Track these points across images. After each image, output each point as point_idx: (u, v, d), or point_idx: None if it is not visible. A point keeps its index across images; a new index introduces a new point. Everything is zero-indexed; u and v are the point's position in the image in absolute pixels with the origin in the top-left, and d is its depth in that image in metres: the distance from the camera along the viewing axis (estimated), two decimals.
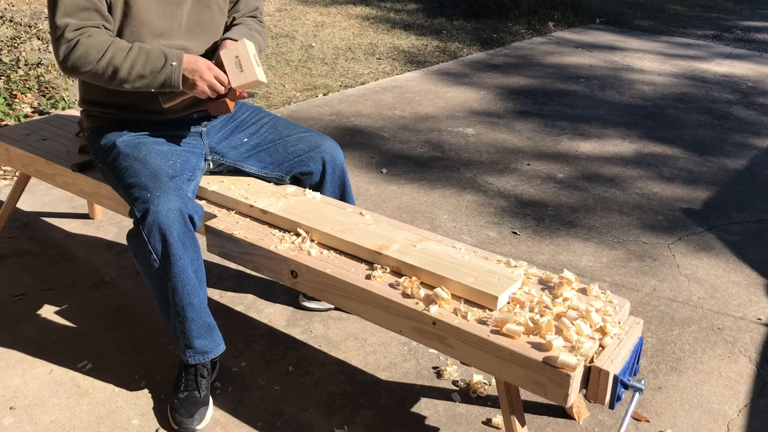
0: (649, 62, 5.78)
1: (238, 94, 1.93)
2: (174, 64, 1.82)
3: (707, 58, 5.98)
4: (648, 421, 1.94)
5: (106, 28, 1.86)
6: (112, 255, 2.66)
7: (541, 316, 1.58)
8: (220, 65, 1.88)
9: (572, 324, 1.55)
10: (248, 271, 2.56)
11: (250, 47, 1.88)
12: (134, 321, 2.29)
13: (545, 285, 1.73)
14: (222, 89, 1.87)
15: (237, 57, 1.86)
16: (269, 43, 5.82)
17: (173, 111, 2.01)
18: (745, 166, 3.73)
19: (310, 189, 2.13)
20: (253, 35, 2.06)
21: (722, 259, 2.80)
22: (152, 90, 1.86)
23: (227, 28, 2.10)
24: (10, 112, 3.81)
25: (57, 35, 1.81)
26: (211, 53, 2.00)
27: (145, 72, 1.82)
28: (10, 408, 1.90)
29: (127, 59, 1.81)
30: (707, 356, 2.22)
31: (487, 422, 1.92)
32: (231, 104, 1.91)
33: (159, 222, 1.72)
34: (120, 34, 1.89)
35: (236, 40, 1.95)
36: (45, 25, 4.87)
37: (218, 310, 2.34)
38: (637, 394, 1.57)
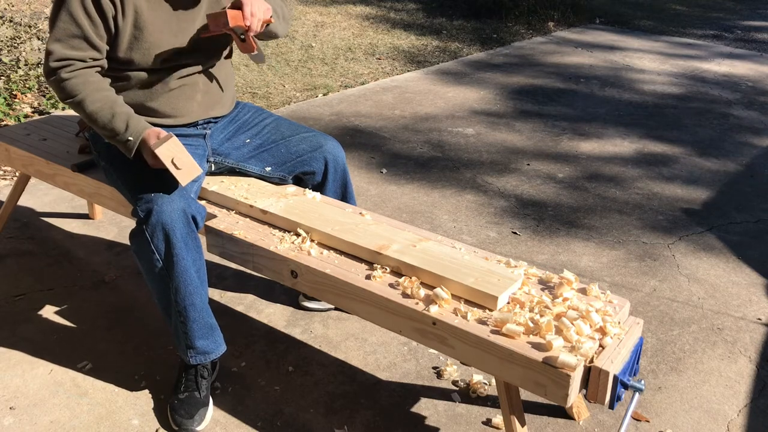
0: (649, 62, 5.77)
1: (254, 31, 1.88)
2: (131, 139, 1.78)
3: (707, 58, 5.98)
4: (648, 421, 1.94)
5: (94, 59, 1.84)
6: (112, 255, 2.66)
7: (541, 316, 1.58)
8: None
9: (572, 324, 1.55)
10: (248, 271, 2.56)
11: (172, 146, 1.72)
12: (134, 321, 2.29)
13: (545, 285, 1.74)
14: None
15: (171, 159, 1.71)
16: (268, 42, 5.82)
17: (180, 114, 2.01)
18: (745, 166, 3.73)
19: (311, 189, 2.14)
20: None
21: (722, 259, 2.80)
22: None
23: None
24: (10, 112, 3.81)
25: (45, 55, 1.85)
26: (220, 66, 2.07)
27: (105, 132, 1.82)
28: (10, 408, 1.90)
29: (94, 112, 1.80)
30: (707, 356, 2.22)
31: (487, 422, 1.92)
32: (252, 43, 1.90)
33: (162, 222, 1.72)
34: (130, 54, 1.87)
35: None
36: (45, 25, 4.87)
37: (218, 310, 2.34)
38: (637, 394, 1.57)
